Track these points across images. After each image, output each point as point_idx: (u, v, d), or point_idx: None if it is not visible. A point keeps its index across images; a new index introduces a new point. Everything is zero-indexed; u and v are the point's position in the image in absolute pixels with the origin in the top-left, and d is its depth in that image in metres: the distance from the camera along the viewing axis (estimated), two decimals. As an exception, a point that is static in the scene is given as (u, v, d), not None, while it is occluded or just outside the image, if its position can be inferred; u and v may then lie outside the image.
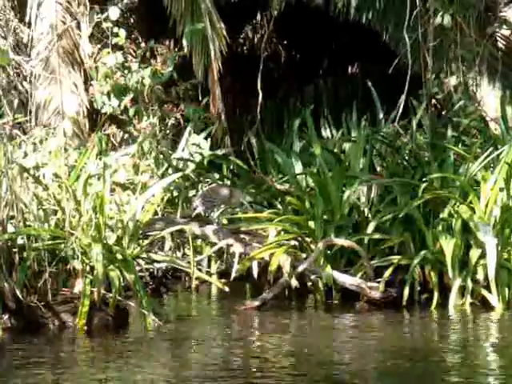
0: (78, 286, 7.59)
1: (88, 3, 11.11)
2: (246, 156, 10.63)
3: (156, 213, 10.01)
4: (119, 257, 7.61)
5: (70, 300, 7.61)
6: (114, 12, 10.55)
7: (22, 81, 11.99)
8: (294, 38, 16.80)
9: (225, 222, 9.90)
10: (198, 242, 9.74)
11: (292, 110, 13.97)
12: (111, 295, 7.50)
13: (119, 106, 10.22)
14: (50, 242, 7.54)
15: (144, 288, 7.76)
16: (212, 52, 8.50)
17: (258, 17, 17.00)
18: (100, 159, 9.83)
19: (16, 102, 11.96)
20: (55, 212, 7.80)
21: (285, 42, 17.58)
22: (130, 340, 7.37)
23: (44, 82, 11.81)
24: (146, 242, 8.23)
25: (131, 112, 10.01)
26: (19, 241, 7.55)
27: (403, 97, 9.85)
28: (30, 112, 11.79)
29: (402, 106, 9.91)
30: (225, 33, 8.65)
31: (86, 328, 7.42)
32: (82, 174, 7.91)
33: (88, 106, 11.27)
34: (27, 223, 7.62)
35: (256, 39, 18.14)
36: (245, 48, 17.59)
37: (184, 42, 8.56)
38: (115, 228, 7.74)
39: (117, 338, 7.34)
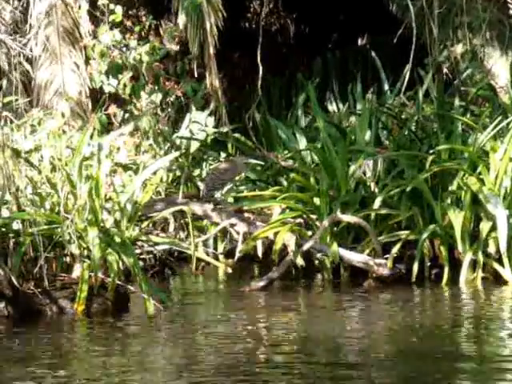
0: (76, 270, 7.40)
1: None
2: (251, 133, 10.40)
3: (159, 193, 9.86)
4: (117, 240, 7.40)
5: (68, 285, 7.42)
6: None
7: (18, 62, 11.81)
8: (303, 12, 16.54)
9: (231, 200, 9.71)
10: (204, 222, 9.56)
11: (300, 84, 13.71)
12: (110, 279, 7.30)
13: (118, 84, 9.99)
14: (45, 227, 7.33)
15: (143, 272, 7.56)
16: (208, 26, 8.27)
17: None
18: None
19: (16, 82, 11.80)
20: (51, 196, 7.59)
21: (293, 16, 17.32)
22: (129, 325, 7.17)
23: (45, 62, 11.61)
24: (145, 223, 8.01)
25: (127, 90, 9.78)
26: (14, 226, 7.35)
27: (408, 66, 9.57)
28: (32, 93, 11.64)
29: (407, 77, 9.63)
30: (221, 7, 8.42)
31: (85, 314, 7.22)
32: (77, 155, 7.69)
33: (90, 86, 11.06)
34: (22, 208, 7.41)
35: (263, 14, 17.85)
36: (253, 23, 17.34)
37: (180, 18, 8.35)
38: (112, 210, 7.52)
39: (116, 323, 7.14)
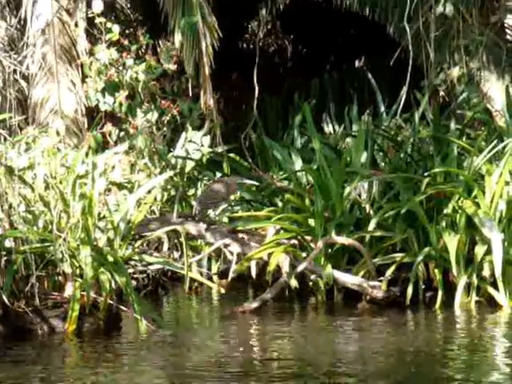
0: (68, 289, 7.35)
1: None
2: (246, 153, 10.39)
3: (153, 212, 9.82)
4: (110, 259, 7.35)
5: (59, 304, 7.36)
6: (97, 5, 10.33)
7: (14, 79, 11.80)
8: (300, 33, 16.61)
9: (225, 220, 9.68)
10: (199, 241, 9.52)
11: (296, 105, 13.73)
12: (102, 299, 7.24)
13: (114, 103, 9.98)
14: (38, 245, 7.28)
15: (136, 291, 7.51)
16: (203, 46, 8.25)
17: (264, 12, 16.79)
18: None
19: (13, 100, 11.79)
20: (44, 214, 7.54)
21: (291, 37, 17.36)
22: (121, 346, 7.10)
23: (41, 80, 11.61)
24: (139, 243, 7.96)
25: (124, 108, 9.76)
26: (6, 244, 7.30)
27: (405, 89, 9.57)
28: (28, 111, 11.62)
29: (403, 99, 9.62)
30: (217, 27, 8.41)
31: (76, 333, 7.16)
32: (71, 173, 7.65)
33: (86, 104, 11.05)
34: (14, 225, 7.36)
35: (261, 34, 17.91)
36: (251, 44, 17.38)
37: (176, 37, 8.33)
38: (105, 229, 7.48)
39: (107, 344, 7.07)
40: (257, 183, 9.31)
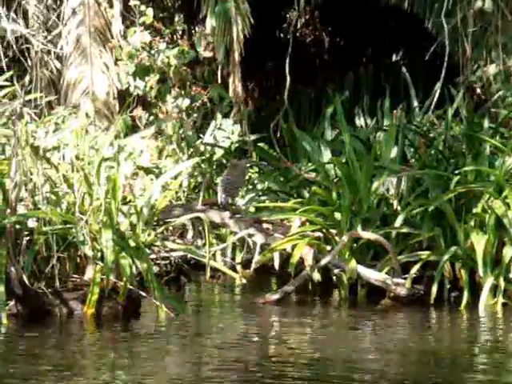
0: (89, 272, 7.31)
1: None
2: (275, 143, 10.29)
3: (179, 199, 9.76)
4: (132, 244, 7.29)
5: (79, 287, 7.34)
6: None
7: (52, 59, 11.80)
8: (338, 25, 16.44)
9: (252, 210, 9.60)
10: (224, 230, 9.46)
11: (329, 97, 13.59)
12: (122, 284, 7.20)
13: (145, 87, 9.91)
14: (60, 227, 7.25)
15: (157, 278, 7.45)
16: (234, 33, 8.14)
17: (302, 2, 16.65)
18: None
19: (46, 80, 11.80)
20: (68, 195, 7.51)
21: (329, 29, 17.20)
22: (138, 332, 7.05)
23: (74, 61, 11.60)
24: (162, 229, 7.90)
25: (153, 93, 9.69)
26: (29, 224, 7.28)
27: (439, 84, 9.41)
28: (60, 91, 11.62)
29: (437, 94, 9.46)
30: (249, 14, 8.29)
31: (94, 317, 7.12)
32: (97, 156, 7.61)
33: (118, 87, 11.01)
34: (38, 206, 7.34)
35: (299, 25, 17.77)
36: (288, 34, 17.24)
37: (208, 22, 8.23)
38: (128, 214, 7.42)
39: (125, 329, 7.03)
40: (266, 165, 9.14)
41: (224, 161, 10.37)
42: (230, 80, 8.31)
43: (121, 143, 7.73)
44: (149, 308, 7.39)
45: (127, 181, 8.30)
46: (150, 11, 10.20)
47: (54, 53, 11.79)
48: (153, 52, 9.85)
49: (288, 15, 17.21)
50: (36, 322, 7.01)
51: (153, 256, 8.13)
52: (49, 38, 11.47)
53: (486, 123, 9.11)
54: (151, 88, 9.81)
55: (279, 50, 13.97)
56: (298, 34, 17.51)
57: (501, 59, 9.71)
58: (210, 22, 8.21)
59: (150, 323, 7.22)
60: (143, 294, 7.34)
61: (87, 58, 11.44)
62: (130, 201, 7.96)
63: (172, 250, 8.15)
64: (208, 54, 10.14)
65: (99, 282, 7.12)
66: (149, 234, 7.61)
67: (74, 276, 7.38)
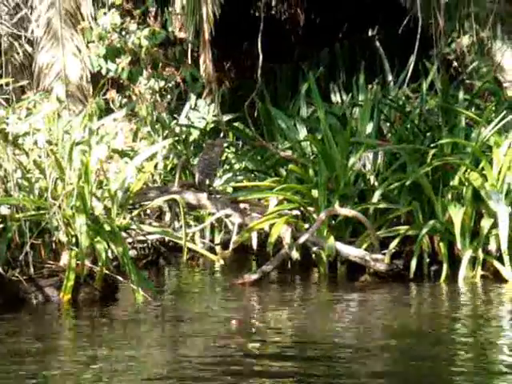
0: (64, 258, 7.22)
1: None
2: (250, 122, 10.21)
3: (155, 181, 9.67)
4: (107, 228, 7.20)
5: (55, 273, 7.24)
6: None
7: (23, 43, 11.66)
8: (313, 1, 16.33)
9: (229, 190, 9.54)
10: (201, 211, 9.38)
11: (305, 74, 13.51)
12: (98, 268, 7.12)
13: (116, 69, 9.79)
14: (33, 213, 7.15)
15: (134, 261, 7.38)
16: (204, 13, 8.03)
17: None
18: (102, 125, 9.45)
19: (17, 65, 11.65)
20: (40, 181, 7.40)
21: (304, 5, 17.08)
22: (115, 316, 6.97)
23: (46, 45, 11.45)
24: (137, 212, 7.81)
25: (124, 75, 9.57)
26: (1, 211, 7.17)
27: (412, 58, 9.34)
28: (33, 76, 11.48)
29: (411, 68, 9.39)
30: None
31: (71, 302, 7.04)
32: (68, 140, 7.50)
33: (92, 70, 10.89)
34: (10, 192, 7.23)
35: (274, 3, 17.63)
36: (263, 12, 17.10)
37: (177, 2, 8.11)
38: (102, 197, 7.33)
39: (102, 314, 6.95)
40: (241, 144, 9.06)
41: (200, 141, 10.29)
42: (201, 60, 8.20)
43: (92, 126, 7.61)
44: (126, 292, 7.30)
45: (102, 164, 8.19)
46: (119, -9, 10.07)
47: (25, 37, 11.64)
48: (124, 33, 9.72)
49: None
50: (11, 309, 6.91)
51: (130, 240, 8.05)
52: (17, 21, 11.30)
53: (461, 95, 9.06)
54: (123, 70, 9.69)
55: (255, 28, 13.87)
56: (273, 12, 17.38)
57: (474, 30, 9.65)
58: (180, 2, 8.10)
59: (127, 308, 7.14)
60: (120, 278, 7.25)
61: (58, 42, 11.29)
62: (105, 184, 7.87)
63: (149, 233, 8.06)
64: (180, 35, 10.03)
65: (74, 268, 7.03)
66: (124, 218, 7.53)
67: (49, 262, 7.28)
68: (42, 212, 7.19)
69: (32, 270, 7.06)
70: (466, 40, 9.87)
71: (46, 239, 7.34)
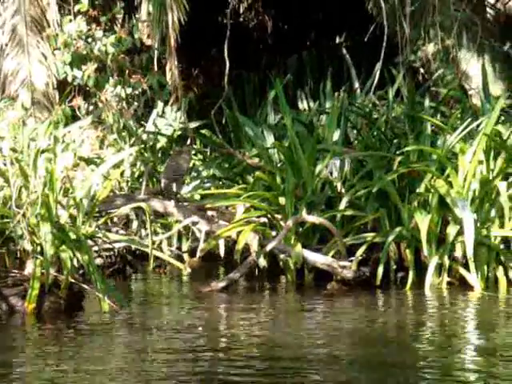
0: (28, 267, 7.14)
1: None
2: (219, 129, 10.21)
3: (122, 189, 9.62)
4: (72, 236, 7.14)
5: (19, 283, 7.16)
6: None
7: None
8: (281, 8, 16.37)
9: (197, 197, 9.51)
10: (169, 219, 9.34)
11: (274, 81, 13.52)
12: (63, 277, 7.05)
13: (83, 76, 9.73)
14: (-3, 221, 7.08)
15: (100, 270, 7.32)
16: (170, 20, 8.01)
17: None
18: (68, 132, 9.41)
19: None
20: (3, 189, 7.33)
21: (271, 13, 17.12)
22: (81, 326, 6.90)
23: (11, 52, 11.37)
24: (103, 220, 7.76)
25: (91, 82, 9.52)
26: (-36, 220, 7.10)
27: (378, 65, 9.38)
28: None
29: (377, 75, 9.43)
30: (184, 1, 8.17)
31: (36, 312, 6.96)
32: (33, 147, 7.44)
33: (58, 78, 10.81)
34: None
35: (242, 10, 17.64)
36: (231, 19, 17.11)
37: (143, 9, 8.10)
38: (67, 206, 7.27)
39: (67, 324, 6.87)
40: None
41: (168, 149, 10.25)
42: (167, 67, 8.19)
43: (57, 134, 7.55)
44: (93, 301, 7.24)
45: (67, 172, 8.14)
46: (84, -2, 10.01)
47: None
48: (89, 40, 9.67)
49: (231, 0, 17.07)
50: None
51: (96, 248, 7.99)
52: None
53: (427, 102, 9.10)
54: (89, 77, 9.63)
55: (223, 35, 13.87)
56: (241, 19, 17.39)
57: (439, 38, 9.71)
58: (146, 9, 8.08)
59: (93, 317, 7.07)
60: (86, 286, 7.19)
61: (24, 49, 11.23)
62: (71, 192, 7.81)
63: (115, 241, 8.00)
64: (147, 42, 10.00)
65: (39, 277, 6.96)
66: (90, 226, 7.47)
67: (14, 271, 7.20)
68: (6, 221, 7.12)
69: (-4, 279, 6.97)
70: (431, 48, 9.93)
71: (10, 248, 7.27)
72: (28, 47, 11.17)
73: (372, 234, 8.25)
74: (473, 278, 7.93)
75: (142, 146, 9.48)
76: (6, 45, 11.36)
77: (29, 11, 11.25)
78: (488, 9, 11.07)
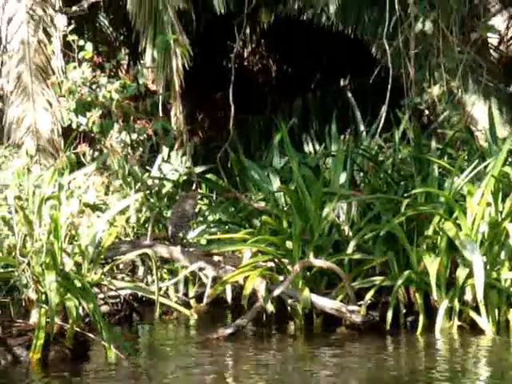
0: (33, 317, 7.06)
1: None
2: (225, 173, 10.17)
3: (128, 235, 9.54)
4: (77, 284, 7.07)
5: (24, 332, 7.07)
6: (61, 21, 10.14)
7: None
8: (285, 52, 16.47)
9: (203, 242, 9.43)
10: (176, 264, 9.26)
11: (279, 124, 13.53)
12: (68, 326, 6.96)
13: (87, 123, 9.72)
14: (1, 270, 7.01)
15: (105, 318, 7.23)
16: (174, 66, 8.01)
17: (248, 31, 16.63)
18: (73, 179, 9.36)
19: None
20: (8, 237, 7.26)
21: (276, 56, 17.21)
22: (87, 376, 6.80)
23: (16, 99, 11.39)
24: (108, 267, 7.68)
25: (95, 128, 9.52)
26: (-31, 269, 7.03)
27: (384, 107, 9.36)
28: (3, 130, 11.39)
29: (383, 118, 9.41)
30: (188, 47, 8.19)
31: (41, 362, 6.86)
32: (38, 195, 7.39)
33: (63, 124, 10.81)
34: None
35: (246, 54, 17.75)
36: (236, 63, 17.19)
37: (147, 55, 8.11)
38: (72, 253, 7.20)
39: (73, 374, 6.77)
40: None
41: (173, 194, 10.20)
42: (172, 113, 8.18)
43: (62, 181, 7.52)
44: (99, 350, 7.14)
45: (73, 219, 8.08)
46: (89, 46, 10.03)
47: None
48: (94, 87, 9.68)
49: (234, 45, 17.17)
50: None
51: (102, 295, 7.91)
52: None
53: (434, 144, 9.06)
54: (94, 123, 9.63)
55: (227, 79, 13.91)
56: (245, 63, 17.48)
57: (444, 80, 9.70)
58: (150, 55, 8.10)
59: (99, 367, 6.97)
60: (92, 335, 7.10)
61: (29, 96, 11.25)
62: (76, 239, 7.75)
63: (121, 289, 7.92)
64: (152, 87, 10.01)
65: (44, 326, 6.88)
66: (95, 273, 7.40)
67: (18, 321, 7.12)
68: (10, 269, 7.05)
69: (0, 329, 6.87)
70: (436, 90, 9.92)
71: (14, 297, 7.19)
72: (33, 95, 11.20)
73: (381, 278, 8.16)
74: (483, 321, 7.81)
75: (148, 191, 9.43)
76: (11, 93, 11.38)
77: (33, 59, 11.29)
78: (491, 51, 11.09)
